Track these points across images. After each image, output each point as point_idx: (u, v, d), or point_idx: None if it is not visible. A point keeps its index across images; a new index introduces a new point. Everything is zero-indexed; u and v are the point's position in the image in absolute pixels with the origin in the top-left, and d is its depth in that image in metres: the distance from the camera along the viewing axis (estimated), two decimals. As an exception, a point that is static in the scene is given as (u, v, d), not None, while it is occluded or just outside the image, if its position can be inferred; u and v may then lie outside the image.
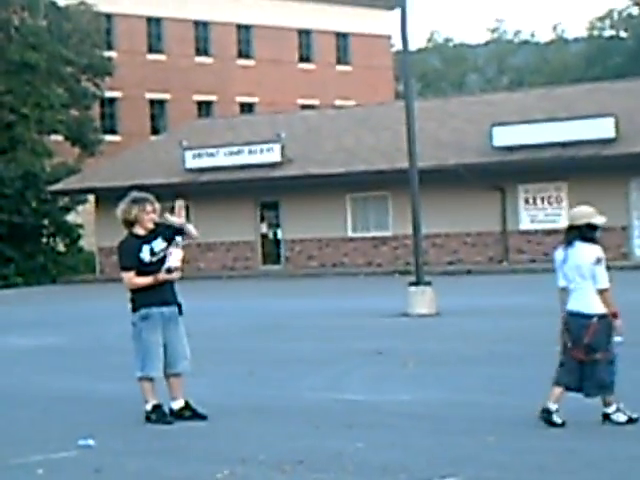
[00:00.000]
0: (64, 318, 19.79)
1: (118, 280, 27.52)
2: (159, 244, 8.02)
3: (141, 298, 8.01)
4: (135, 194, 8.19)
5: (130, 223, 8.04)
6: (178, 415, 7.98)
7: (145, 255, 7.94)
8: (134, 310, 8.07)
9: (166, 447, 7.10)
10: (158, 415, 7.93)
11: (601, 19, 59.76)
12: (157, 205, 8.14)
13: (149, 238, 7.99)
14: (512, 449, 6.58)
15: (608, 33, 59.77)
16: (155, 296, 8.01)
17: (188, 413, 8.01)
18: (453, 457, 6.42)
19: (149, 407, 7.98)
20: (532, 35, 73.32)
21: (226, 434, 7.45)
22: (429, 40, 73.42)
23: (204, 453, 6.85)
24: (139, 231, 8.04)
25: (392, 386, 9.42)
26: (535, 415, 7.34)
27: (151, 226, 8.04)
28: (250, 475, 6.14)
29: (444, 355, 11.55)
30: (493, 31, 72.27)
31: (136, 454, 6.90)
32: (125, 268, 7.98)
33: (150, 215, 8.02)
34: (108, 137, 43.36)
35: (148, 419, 7.95)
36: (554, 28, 76.71)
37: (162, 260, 7.99)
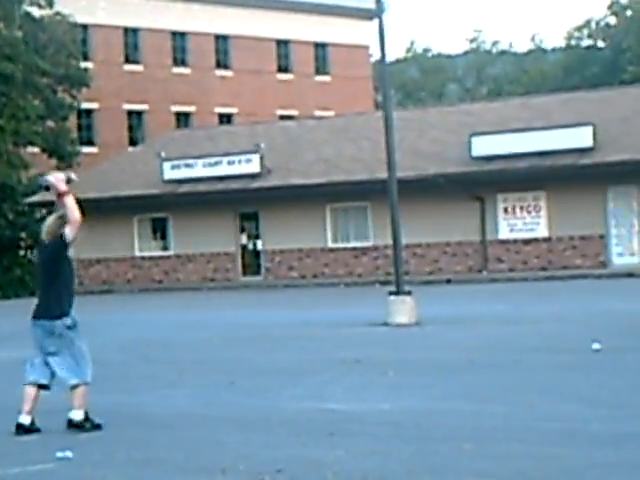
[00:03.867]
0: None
1: (96, 292, 27.62)
2: None
3: (67, 304, 7.97)
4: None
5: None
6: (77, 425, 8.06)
7: None
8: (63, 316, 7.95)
9: (146, 458, 7.06)
10: (90, 423, 8.01)
11: (579, 29, 60.21)
12: None
13: None
14: (491, 456, 6.60)
15: (586, 43, 60.22)
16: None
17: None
18: (433, 465, 6.43)
19: (83, 415, 8.03)
20: (510, 45, 73.96)
21: (206, 444, 7.42)
22: (408, 50, 73.75)
23: (184, 463, 6.83)
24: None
25: (372, 395, 9.43)
26: (513, 421, 7.34)
27: None
28: (230, 485, 6.13)
29: (424, 364, 11.58)
30: (472, 41, 72.68)
31: (115, 465, 6.86)
32: None
33: None
34: (85, 148, 43.20)
35: (79, 426, 8.01)
36: (532, 38, 77.20)
37: None
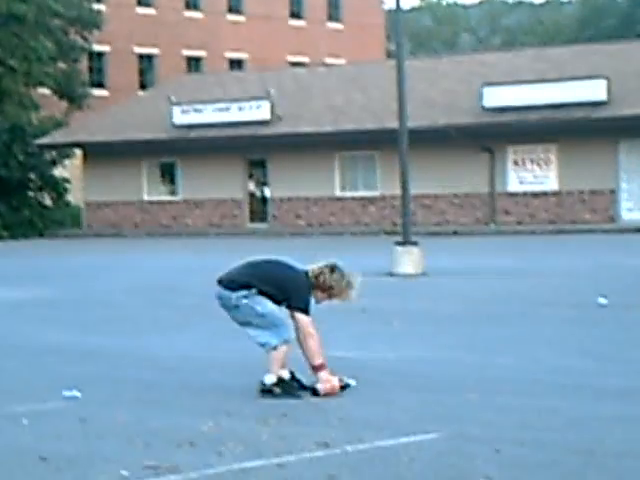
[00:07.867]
0: (51, 271, 19.78)
1: (104, 235, 27.65)
2: None
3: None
4: (353, 274, 7.47)
5: (322, 288, 7.32)
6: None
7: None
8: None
9: (153, 399, 7.13)
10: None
11: (595, -20, 59.38)
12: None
13: None
14: (495, 407, 6.63)
15: (602, -5, 59.43)
16: None
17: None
18: (436, 414, 6.46)
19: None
20: (525, -4, 72.93)
21: (211, 387, 7.48)
22: (422, -1, 72.87)
23: (190, 406, 6.89)
24: (317, 295, 7.36)
25: (377, 344, 9.48)
26: (518, 373, 7.37)
27: (325, 303, 7.54)
28: (234, 428, 6.18)
29: (430, 314, 11.61)
30: (487, -9, 71.78)
31: (122, 405, 6.92)
32: (309, 312, 7.29)
33: (343, 298, 7.51)
34: (96, 91, 43.01)
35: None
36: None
37: None
